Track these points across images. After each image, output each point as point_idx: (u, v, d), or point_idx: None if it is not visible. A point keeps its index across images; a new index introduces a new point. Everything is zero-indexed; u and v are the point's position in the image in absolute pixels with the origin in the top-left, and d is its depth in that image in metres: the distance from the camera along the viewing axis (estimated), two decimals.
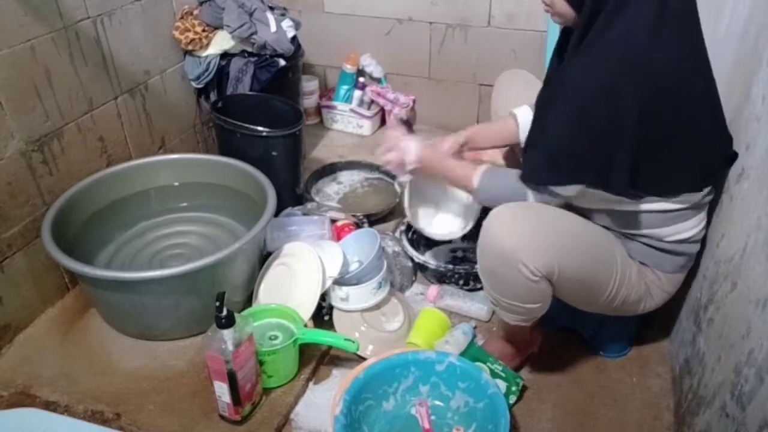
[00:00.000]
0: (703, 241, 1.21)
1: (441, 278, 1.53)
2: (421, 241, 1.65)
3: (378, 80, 2.30)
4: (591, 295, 1.14)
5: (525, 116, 1.35)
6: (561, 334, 1.39)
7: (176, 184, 1.64)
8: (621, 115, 0.99)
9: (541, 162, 1.09)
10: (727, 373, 0.95)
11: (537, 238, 1.05)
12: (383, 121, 2.33)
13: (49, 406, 1.22)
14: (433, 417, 1.17)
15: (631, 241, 1.16)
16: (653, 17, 0.98)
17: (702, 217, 1.15)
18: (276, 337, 1.24)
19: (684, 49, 1.03)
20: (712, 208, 1.19)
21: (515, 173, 1.14)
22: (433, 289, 1.49)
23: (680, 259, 1.17)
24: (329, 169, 2.00)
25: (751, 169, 1.01)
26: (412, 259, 1.55)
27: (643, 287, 1.17)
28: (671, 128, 1.02)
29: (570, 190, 1.08)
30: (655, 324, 1.42)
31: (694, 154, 1.06)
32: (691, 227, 1.13)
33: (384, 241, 1.52)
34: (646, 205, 1.10)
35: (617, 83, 0.98)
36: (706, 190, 1.11)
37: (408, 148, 1.29)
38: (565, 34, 1.16)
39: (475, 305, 1.45)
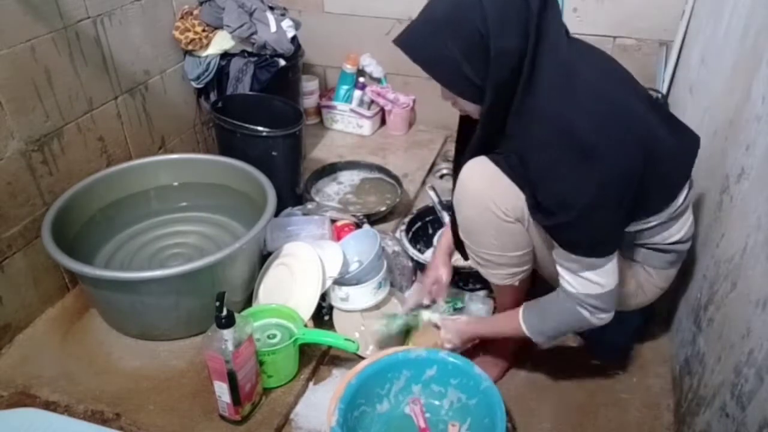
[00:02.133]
0: (704, 241, 1.21)
1: None
2: (422, 241, 1.65)
3: (378, 80, 2.30)
4: None
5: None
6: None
7: (176, 184, 1.64)
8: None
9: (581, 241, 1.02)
10: (727, 373, 0.95)
11: (502, 180, 1.05)
12: (383, 121, 2.33)
13: (49, 406, 1.22)
14: (427, 414, 1.18)
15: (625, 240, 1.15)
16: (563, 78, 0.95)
17: (686, 218, 1.13)
18: (274, 336, 1.24)
19: (608, 81, 1.01)
20: (711, 208, 1.19)
21: (554, 296, 1.10)
22: None
23: (671, 257, 1.16)
24: (329, 169, 1.99)
25: (751, 169, 1.01)
26: (412, 259, 1.55)
27: (633, 283, 1.17)
28: (644, 165, 0.98)
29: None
30: (655, 324, 1.42)
31: (665, 170, 1.03)
32: (677, 231, 1.12)
33: (384, 241, 1.52)
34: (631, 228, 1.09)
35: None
36: (683, 194, 1.09)
37: (449, 341, 1.25)
38: (464, 128, 1.15)
39: (475, 305, 1.45)
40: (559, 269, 1.05)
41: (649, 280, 1.17)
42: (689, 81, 1.64)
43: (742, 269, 0.98)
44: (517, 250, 1.11)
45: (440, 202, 1.68)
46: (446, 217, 1.66)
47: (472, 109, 1.04)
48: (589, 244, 0.99)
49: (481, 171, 1.08)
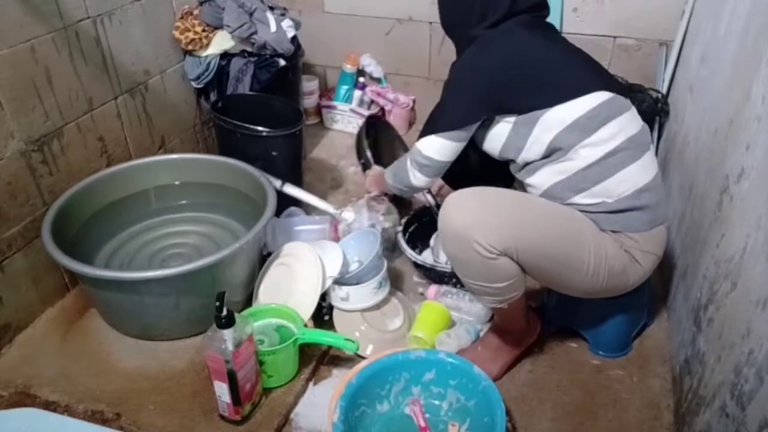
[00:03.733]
0: (704, 241, 1.21)
1: (440, 278, 1.53)
2: (419, 242, 1.66)
3: (378, 80, 2.30)
4: (569, 272, 1.15)
5: None
6: (561, 334, 1.40)
7: (176, 183, 1.64)
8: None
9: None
10: (727, 373, 0.95)
11: (488, 215, 1.09)
12: None
13: (49, 406, 1.22)
14: (427, 415, 1.18)
15: (593, 213, 1.16)
16: None
17: (645, 163, 1.16)
18: (262, 342, 1.23)
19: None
20: (711, 208, 1.19)
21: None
22: (433, 289, 1.49)
23: (645, 215, 1.16)
24: None
25: (751, 169, 1.01)
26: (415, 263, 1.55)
27: (624, 256, 1.17)
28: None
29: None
30: (655, 324, 1.42)
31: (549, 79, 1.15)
32: (635, 173, 1.15)
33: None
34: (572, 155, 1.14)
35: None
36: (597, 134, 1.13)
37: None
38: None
39: (475, 305, 1.44)
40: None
41: (637, 246, 1.17)
42: (689, 81, 1.64)
43: (742, 269, 0.98)
44: (506, 280, 1.12)
45: (436, 204, 1.68)
46: None
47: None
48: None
49: (463, 206, 1.11)
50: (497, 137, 1.21)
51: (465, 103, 1.19)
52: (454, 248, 1.12)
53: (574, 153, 1.14)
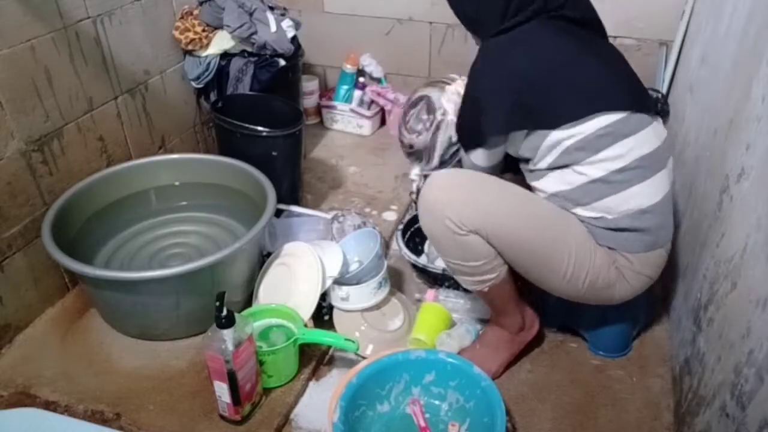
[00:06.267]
0: (704, 241, 1.21)
1: (435, 280, 1.52)
2: (418, 243, 1.66)
3: (378, 80, 2.30)
4: (544, 271, 1.17)
5: None
6: (561, 334, 1.40)
7: (176, 183, 1.64)
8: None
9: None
10: (727, 373, 0.95)
11: (462, 193, 1.14)
12: (383, 121, 2.33)
13: (49, 406, 1.22)
14: (427, 415, 1.18)
15: (591, 226, 1.16)
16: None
17: (654, 184, 1.14)
18: (260, 348, 1.21)
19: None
20: (711, 208, 1.19)
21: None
22: (431, 293, 1.49)
23: (645, 237, 1.15)
24: None
25: (751, 169, 1.01)
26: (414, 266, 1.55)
27: (613, 272, 1.17)
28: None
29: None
30: (655, 324, 1.42)
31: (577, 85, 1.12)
32: (640, 194, 1.13)
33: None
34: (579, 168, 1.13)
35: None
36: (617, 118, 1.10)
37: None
38: None
39: (474, 306, 1.45)
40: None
41: (630, 266, 1.17)
42: (689, 81, 1.64)
43: (742, 269, 0.98)
44: (477, 260, 1.14)
45: None
46: None
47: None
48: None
49: (440, 182, 1.17)
50: (513, 139, 1.20)
51: (501, 112, 1.14)
52: (428, 223, 1.17)
53: (579, 167, 1.13)
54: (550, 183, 1.18)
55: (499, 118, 1.14)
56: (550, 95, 1.11)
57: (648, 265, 1.19)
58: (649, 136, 1.13)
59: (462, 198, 1.13)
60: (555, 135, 1.12)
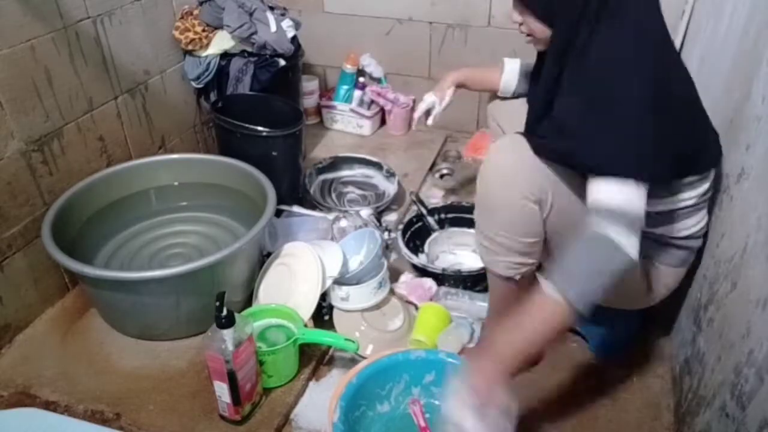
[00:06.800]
0: (704, 240, 1.21)
1: (437, 280, 1.52)
2: (419, 243, 1.66)
3: (378, 80, 2.30)
4: None
5: (512, 65, 1.45)
6: None
7: (176, 184, 1.64)
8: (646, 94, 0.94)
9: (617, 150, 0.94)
10: (727, 373, 0.95)
11: (533, 162, 1.06)
12: (383, 121, 2.34)
13: (49, 406, 1.22)
14: (427, 415, 1.18)
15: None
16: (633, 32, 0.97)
17: (705, 210, 1.16)
18: (260, 348, 1.21)
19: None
20: (711, 208, 1.19)
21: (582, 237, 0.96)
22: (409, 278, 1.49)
23: (683, 253, 1.17)
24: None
25: (751, 169, 1.01)
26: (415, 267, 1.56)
27: (643, 281, 1.17)
28: (679, 107, 1.01)
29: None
30: (655, 324, 1.42)
31: (698, 134, 1.08)
32: (697, 222, 1.14)
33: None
34: (669, 203, 1.10)
35: (639, 59, 0.94)
36: (710, 179, 1.11)
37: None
38: (541, 59, 1.16)
39: (474, 305, 1.45)
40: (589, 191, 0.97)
41: (660, 278, 1.18)
42: None
43: (742, 269, 0.98)
44: (528, 236, 1.10)
45: (428, 212, 1.68)
46: (435, 225, 1.68)
47: (539, 31, 1.05)
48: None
49: (510, 147, 1.10)
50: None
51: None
52: (493, 182, 1.08)
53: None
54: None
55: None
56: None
57: (674, 278, 1.20)
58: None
59: (532, 164, 1.06)
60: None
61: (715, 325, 1.07)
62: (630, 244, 0.92)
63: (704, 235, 1.17)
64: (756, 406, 0.82)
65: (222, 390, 1.12)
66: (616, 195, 0.93)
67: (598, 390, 1.28)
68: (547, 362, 1.34)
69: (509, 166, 1.08)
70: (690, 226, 1.13)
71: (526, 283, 1.18)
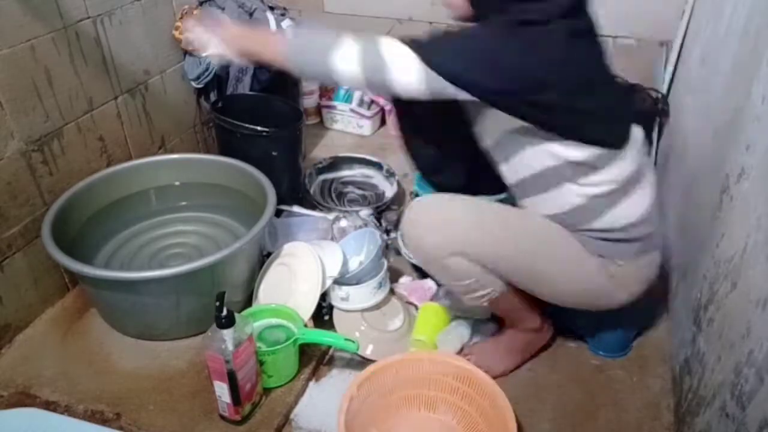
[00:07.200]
0: (704, 241, 1.21)
1: (437, 280, 1.52)
2: None
3: None
4: (532, 281, 1.17)
5: None
6: (561, 334, 1.39)
7: (176, 183, 1.64)
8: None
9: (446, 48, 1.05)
10: (727, 373, 0.95)
11: (437, 217, 1.14)
12: (383, 121, 2.33)
13: (49, 406, 1.22)
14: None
15: (582, 235, 1.15)
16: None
17: (642, 196, 1.14)
18: (260, 348, 1.21)
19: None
20: (711, 208, 1.19)
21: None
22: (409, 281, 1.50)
23: (636, 245, 1.16)
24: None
25: (751, 169, 1.01)
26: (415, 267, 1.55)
27: (610, 281, 1.17)
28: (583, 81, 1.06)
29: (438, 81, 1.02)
30: (655, 324, 1.42)
31: (603, 106, 1.08)
32: (632, 210, 1.13)
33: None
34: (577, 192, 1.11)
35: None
36: (626, 161, 1.10)
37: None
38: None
39: (473, 306, 1.44)
40: None
41: (623, 272, 1.17)
42: (689, 81, 1.64)
43: (742, 269, 0.98)
44: (466, 279, 1.14)
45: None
46: None
47: (459, 4, 1.08)
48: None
49: (418, 208, 1.17)
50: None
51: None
52: (412, 248, 1.22)
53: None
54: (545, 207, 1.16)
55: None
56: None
57: (642, 269, 1.19)
58: (631, 154, 1.12)
59: (438, 223, 1.13)
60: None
61: (715, 325, 1.07)
62: (351, 60, 1.04)
63: (651, 221, 1.16)
64: (756, 406, 0.82)
65: (222, 390, 1.12)
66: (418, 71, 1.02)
67: (598, 390, 1.28)
68: (547, 362, 1.34)
69: (419, 230, 1.15)
70: (625, 215, 1.12)
71: (508, 289, 1.19)
